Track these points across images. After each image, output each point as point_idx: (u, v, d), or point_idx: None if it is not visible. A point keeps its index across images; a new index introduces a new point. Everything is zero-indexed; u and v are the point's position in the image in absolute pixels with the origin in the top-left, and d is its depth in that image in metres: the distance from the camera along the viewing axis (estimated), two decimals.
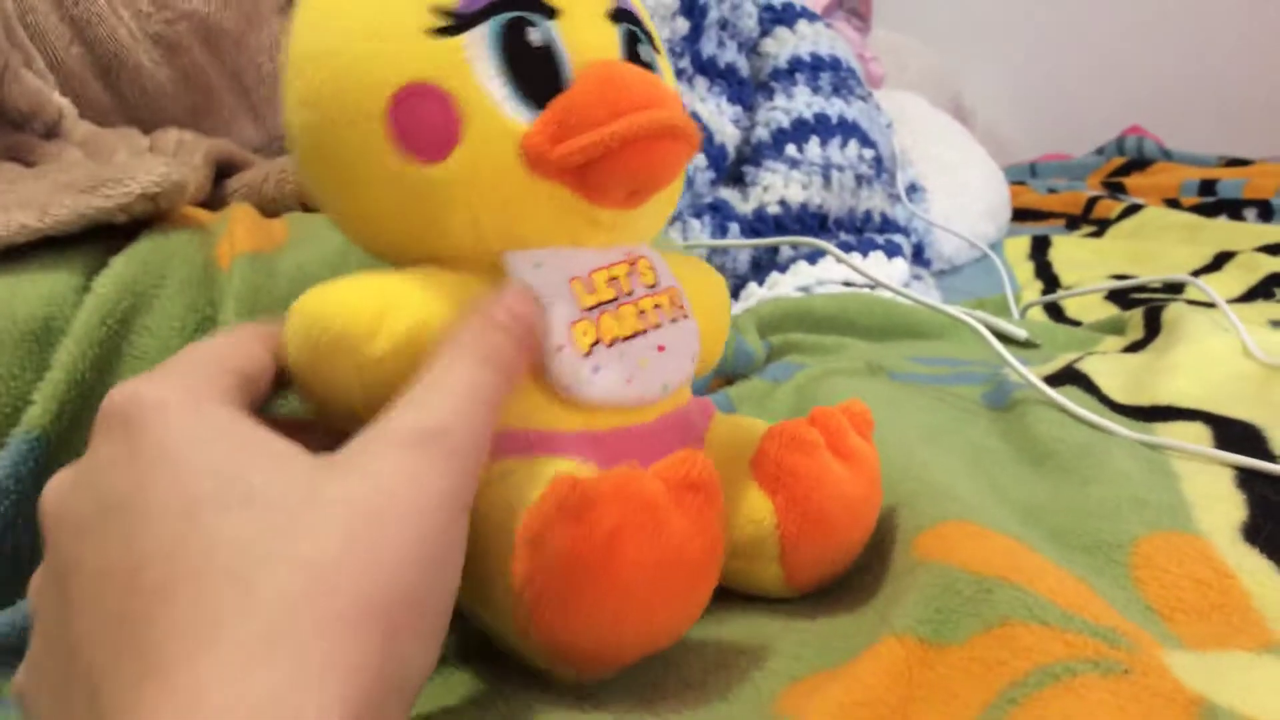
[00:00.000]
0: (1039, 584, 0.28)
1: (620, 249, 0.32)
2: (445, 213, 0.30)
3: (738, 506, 0.32)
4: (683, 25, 0.92)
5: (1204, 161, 1.53)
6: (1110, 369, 0.54)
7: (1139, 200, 1.29)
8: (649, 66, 0.32)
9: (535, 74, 0.29)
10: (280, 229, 0.48)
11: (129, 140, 0.55)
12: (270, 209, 0.53)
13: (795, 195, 0.91)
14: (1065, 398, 0.47)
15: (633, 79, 0.30)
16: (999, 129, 1.93)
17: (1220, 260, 0.93)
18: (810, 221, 0.91)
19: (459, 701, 0.29)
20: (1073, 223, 1.30)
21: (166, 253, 0.43)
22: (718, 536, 0.27)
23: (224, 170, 0.57)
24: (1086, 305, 0.86)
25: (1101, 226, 1.22)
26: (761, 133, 0.96)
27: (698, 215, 0.87)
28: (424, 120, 0.29)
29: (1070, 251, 1.08)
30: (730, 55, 0.98)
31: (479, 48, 0.29)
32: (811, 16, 1.06)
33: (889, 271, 0.88)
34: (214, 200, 0.54)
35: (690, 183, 0.89)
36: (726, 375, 0.61)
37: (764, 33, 1.03)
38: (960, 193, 1.14)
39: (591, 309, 0.31)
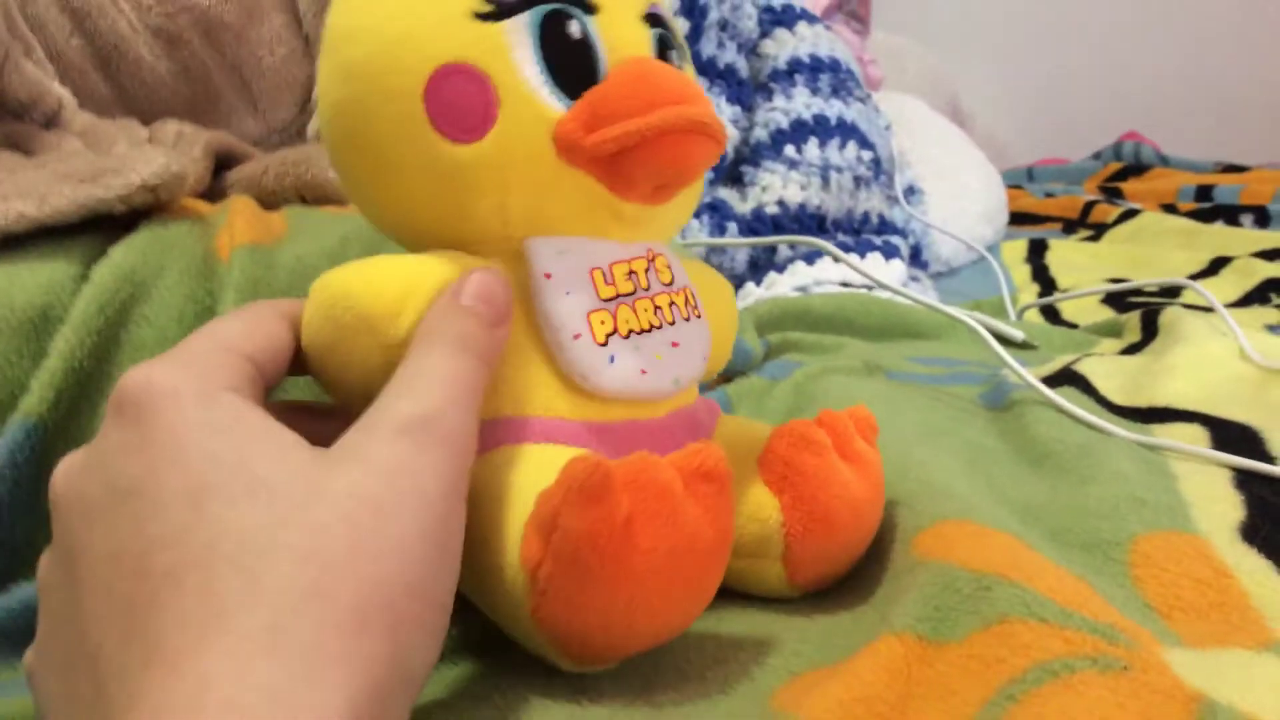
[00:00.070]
0: (1038, 582, 0.28)
1: (641, 244, 0.33)
2: (474, 195, 0.30)
3: (743, 504, 0.32)
4: (683, 25, 0.92)
5: (1201, 167, 1.53)
6: (1108, 370, 0.54)
7: (1136, 205, 1.29)
8: (679, 69, 0.33)
9: (571, 65, 0.30)
10: (279, 222, 0.48)
11: (128, 131, 0.55)
12: (269, 202, 0.53)
13: (793, 196, 0.91)
14: (1063, 399, 0.47)
15: (666, 75, 0.30)
16: (996, 133, 1.93)
17: (1217, 265, 0.94)
18: (808, 222, 0.91)
19: (456, 695, 0.29)
20: (1070, 227, 1.30)
21: (166, 243, 0.43)
22: (728, 527, 0.28)
23: (223, 163, 0.57)
24: (1083, 308, 0.86)
25: (1098, 231, 1.22)
26: (760, 133, 0.96)
27: (696, 214, 0.87)
28: (461, 100, 0.29)
29: (1067, 255, 1.08)
30: (730, 56, 0.98)
31: (520, 34, 0.29)
32: (811, 18, 1.06)
33: (886, 273, 0.88)
34: (213, 193, 0.54)
35: None
36: (725, 373, 0.61)
37: (763, 34, 1.03)
38: (958, 195, 1.14)
39: (609, 300, 0.31)
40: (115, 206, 0.42)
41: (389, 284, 0.28)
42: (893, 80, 1.59)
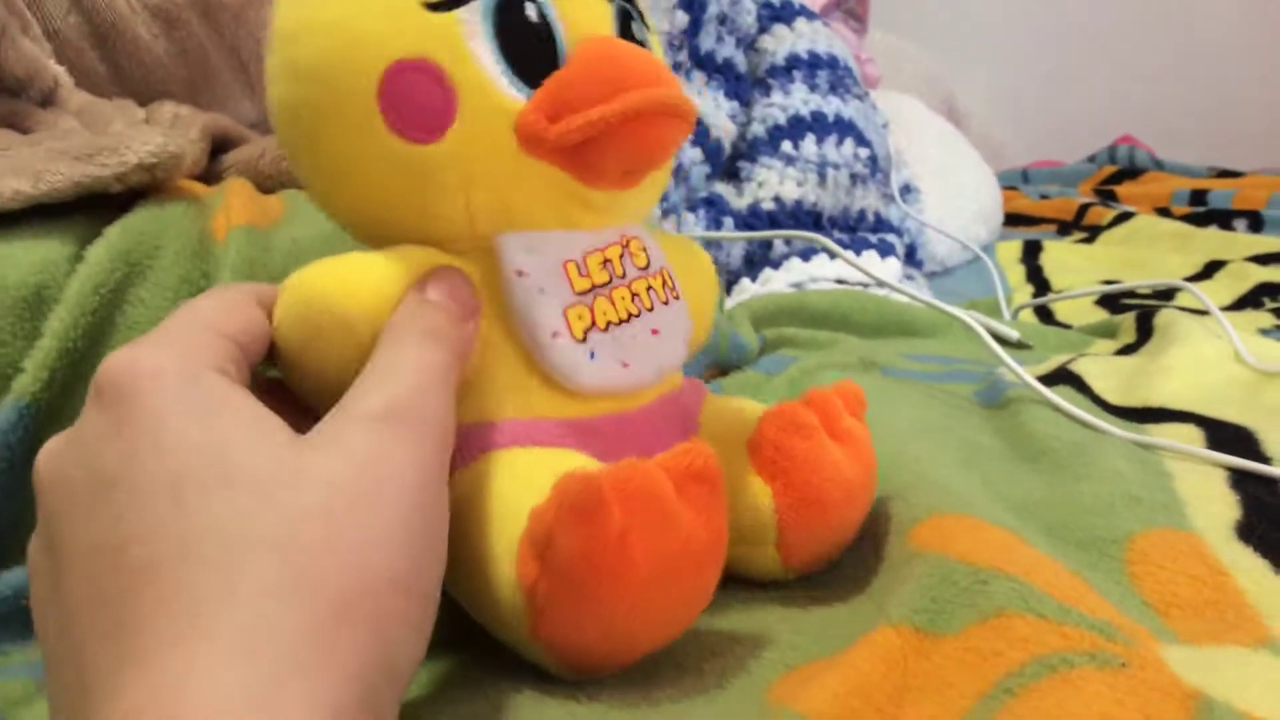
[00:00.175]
0: (1035, 576, 0.28)
1: (613, 230, 0.32)
2: (437, 194, 0.29)
3: (736, 492, 0.32)
4: (682, 19, 0.92)
5: (1195, 172, 1.54)
6: (1103, 371, 0.54)
7: (1130, 208, 1.30)
8: (641, 44, 0.32)
9: (530, 50, 0.29)
10: (276, 204, 0.48)
11: (125, 111, 0.55)
12: (266, 185, 0.52)
13: (790, 192, 0.91)
14: (1059, 397, 0.47)
15: (630, 55, 0.29)
16: (992, 134, 1.93)
17: (1211, 269, 0.94)
18: (804, 219, 0.91)
19: (448, 688, 0.29)
20: (1064, 228, 1.30)
21: (161, 223, 0.43)
22: (723, 526, 0.27)
23: (220, 145, 0.56)
24: (1077, 310, 0.86)
25: (1093, 233, 1.22)
26: (758, 129, 0.96)
27: (692, 209, 0.87)
28: (417, 98, 0.28)
29: (1061, 256, 1.08)
30: (728, 50, 0.97)
31: (474, 23, 0.28)
32: (810, 15, 1.06)
33: (882, 271, 0.88)
34: (209, 175, 0.54)
35: (686, 177, 0.89)
36: (720, 366, 0.61)
37: (762, 29, 1.03)
38: (954, 195, 1.15)
39: (585, 293, 0.30)
40: (111, 185, 0.42)
41: (362, 284, 0.27)
42: (889, 80, 1.59)
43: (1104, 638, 0.26)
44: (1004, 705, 0.24)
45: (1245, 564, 0.32)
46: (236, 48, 0.64)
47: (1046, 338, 0.70)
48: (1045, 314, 0.87)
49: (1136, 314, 0.67)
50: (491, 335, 0.29)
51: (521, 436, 0.29)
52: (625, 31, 0.31)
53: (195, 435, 0.22)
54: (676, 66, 0.93)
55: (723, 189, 0.92)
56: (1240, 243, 1.04)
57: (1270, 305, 0.81)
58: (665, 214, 0.84)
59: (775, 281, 0.84)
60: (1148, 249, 1.09)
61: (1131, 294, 0.87)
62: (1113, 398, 0.50)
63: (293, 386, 0.29)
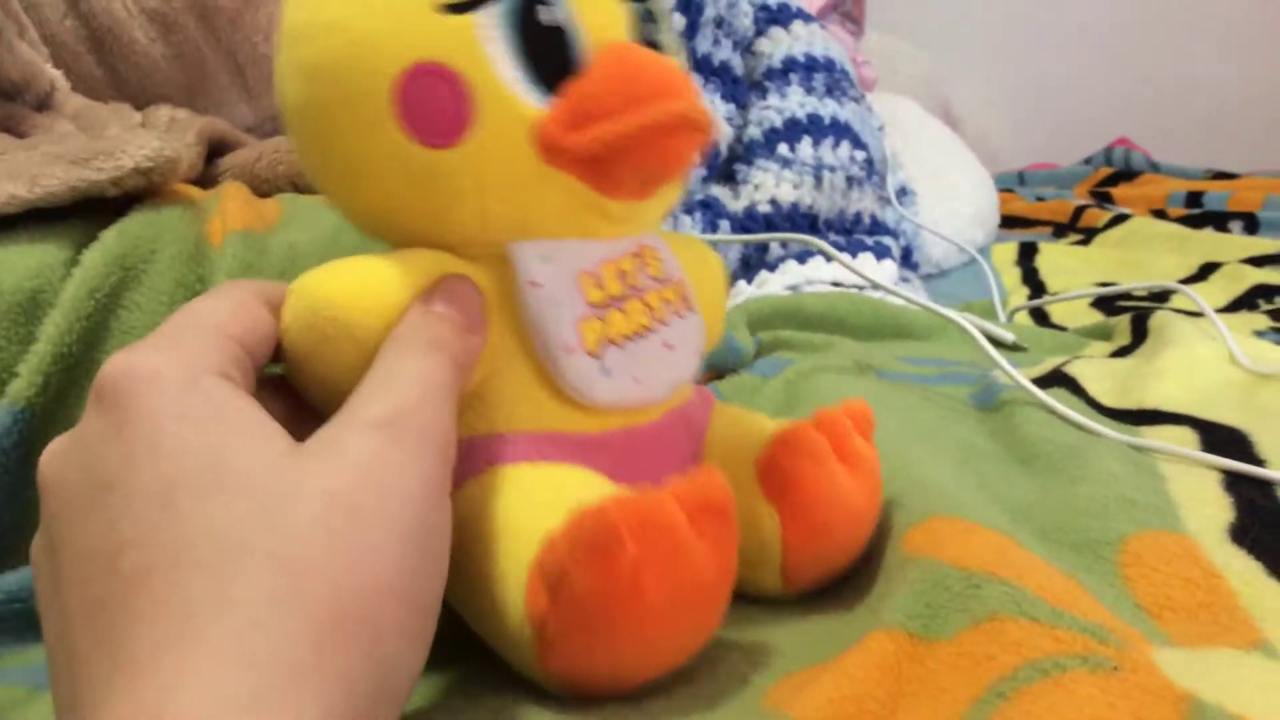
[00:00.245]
0: (1028, 580, 0.28)
1: (630, 239, 0.32)
2: (451, 200, 0.28)
3: (742, 514, 0.31)
4: (679, 22, 0.92)
5: (1191, 174, 1.54)
6: (1097, 373, 0.54)
7: (1126, 210, 1.30)
8: (659, 47, 0.31)
9: (548, 54, 0.28)
10: (272, 209, 0.48)
11: (121, 115, 0.55)
12: (262, 189, 0.53)
13: (786, 194, 0.91)
14: (1053, 400, 0.47)
15: (650, 65, 0.28)
16: (988, 137, 1.94)
17: (1206, 271, 0.94)
18: (800, 221, 0.91)
19: (446, 697, 0.28)
20: (1060, 231, 1.30)
21: (157, 228, 0.43)
22: (733, 557, 0.27)
23: (216, 149, 0.56)
24: (1072, 312, 0.86)
25: (1089, 235, 1.22)
26: (754, 131, 0.96)
27: (689, 212, 0.87)
28: (433, 103, 0.27)
29: (1057, 258, 1.08)
30: (725, 53, 0.98)
31: (492, 26, 0.27)
32: (806, 18, 1.06)
33: (878, 273, 0.88)
34: (206, 179, 0.54)
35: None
36: (716, 369, 0.61)
37: (759, 32, 1.03)
38: (950, 197, 1.15)
39: (599, 305, 0.30)
40: (107, 189, 0.42)
41: (368, 291, 0.27)
42: (886, 82, 1.59)
43: (1096, 641, 0.26)
44: (996, 709, 0.24)
45: (1238, 566, 0.32)
46: (233, 51, 0.64)
47: (1042, 340, 0.71)
48: (1041, 316, 0.87)
49: (1131, 316, 0.67)
50: (502, 345, 0.29)
51: (531, 451, 0.29)
52: (645, 34, 0.30)
53: (191, 440, 0.22)
54: None
55: (719, 191, 0.92)
56: (1236, 244, 1.04)
57: (1265, 307, 0.81)
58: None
59: (771, 284, 0.84)
60: (1143, 251, 1.10)
61: (1127, 296, 0.87)
62: (1107, 400, 0.51)
63: (298, 388, 0.28)
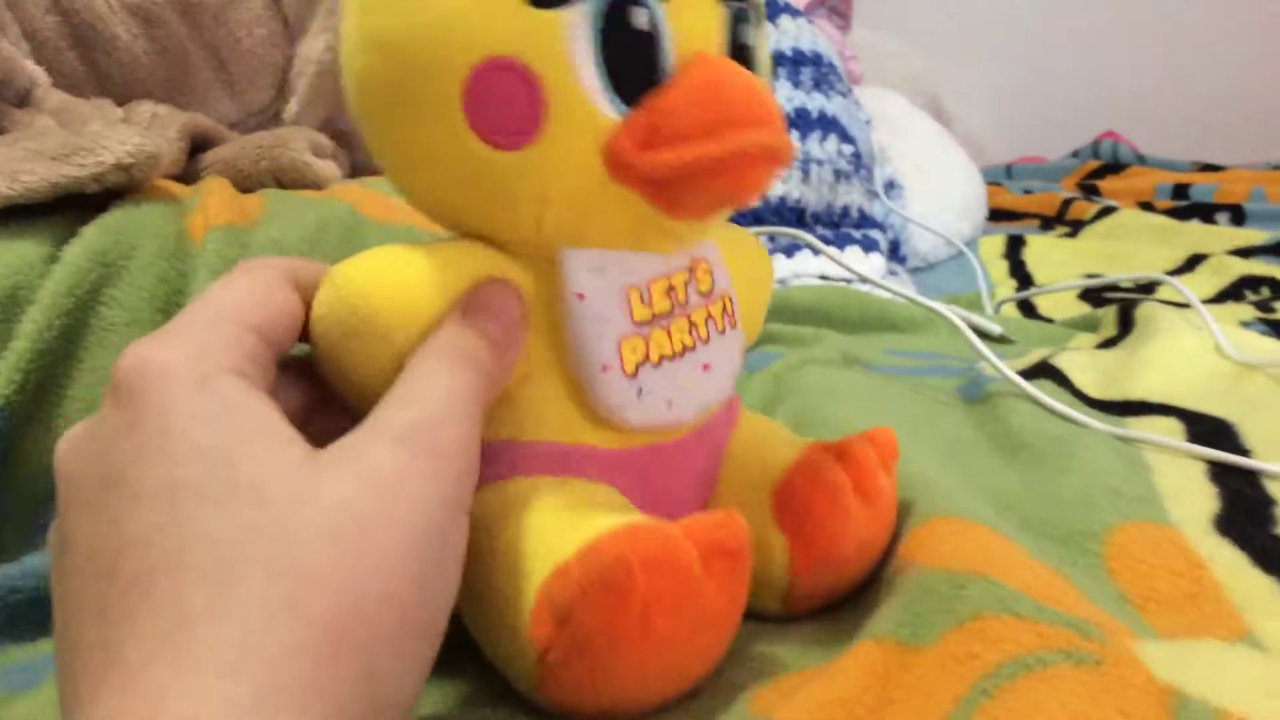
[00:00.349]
0: (1012, 577, 0.28)
1: (683, 254, 0.30)
2: (509, 203, 0.27)
3: (752, 537, 0.30)
4: None
5: (1178, 166, 1.54)
6: (1084, 364, 0.54)
7: (1113, 202, 1.30)
8: (750, 50, 0.29)
9: (632, 61, 0.26)
10: (255, 204, 0.48)
11: (103, 111, 0.54)
12: (245, 185, 0.52)
13: (774, 189, 0.91)
14: (1039, 391, 0.47)
15: (737, 87, 0.27)
16: (975, 130, 1.94)
17: (1193, 262, 0.94)
18: (788, 215, 0.91)
19: (441, 707, 0.28)
20: (1047, 223, 1.31)
21: (138, 224, 0.42)
22: (743, 596, 0.27)
23: (198, 145, 0.56)
24: (1059, 304, 0.86)
25: (1076, 227, 1.22)
26: None
27: None
28: (505, 101, 0.25)
29: (1044, 251, 1.08)
30: None
31: (579, 26, 0.25)
32: (794, 12, 1.06)
33: (865, 267, 0.88)
34: (188, 175, 0.54)
35: None
36: None
37: None
38: (937, 191, 1.15)
39: (644, 323, 0.29)
40: (88, 185, 0.42)
41: (405, 290, 0.25)
42: (873, 76, 1.59)
43: (1080, 635, 0.26)
44: (980, 707, 0.24)
45: (1223, 557, 0.32)
46: (216, 47, 0.64)
47: (1028, 332, 0.71)
48: (1028, 308, 0.87)
49: (1118, 307, 0.67)
50: (538, 351, 0.28)
51: (553, 464, 0.28)
52: (736, 36, 0.29)
53: (201, 442, 0.21)
54: None
55: None
56: (1222, 236, 1.04)
57: (1252, 298, 0.82)
58: None
59: None
60: (1130, 243, 1.10)
61: (1113, 288, 0.87)
62: (1093, 391, 0.51)
63: (324, 377, 0.27)
